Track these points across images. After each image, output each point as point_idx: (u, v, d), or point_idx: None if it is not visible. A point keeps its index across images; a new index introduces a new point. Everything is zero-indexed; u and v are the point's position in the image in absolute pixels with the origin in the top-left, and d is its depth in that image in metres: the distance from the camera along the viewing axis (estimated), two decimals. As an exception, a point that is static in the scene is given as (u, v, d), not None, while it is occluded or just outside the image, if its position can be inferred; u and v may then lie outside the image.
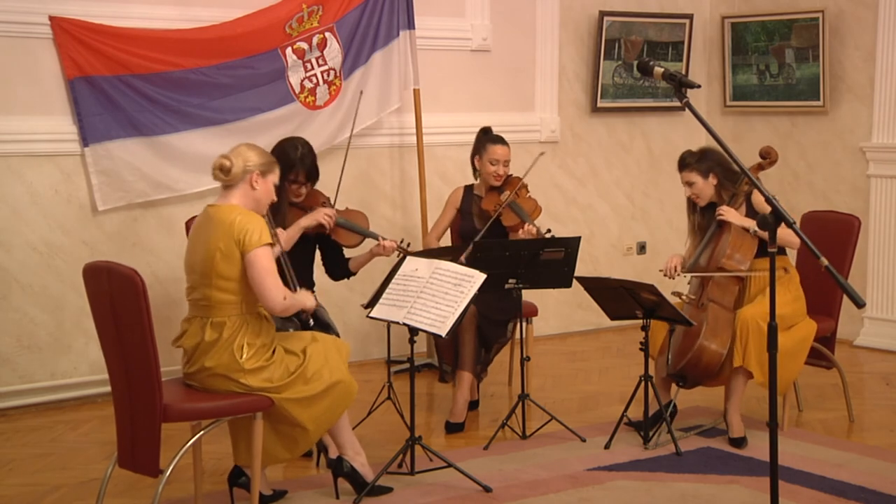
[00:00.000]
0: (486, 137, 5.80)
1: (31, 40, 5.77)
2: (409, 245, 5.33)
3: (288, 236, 4.96)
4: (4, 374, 5.83)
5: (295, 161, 5.01)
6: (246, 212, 4.15)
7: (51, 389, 5.94)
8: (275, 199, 4.34)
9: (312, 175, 5.11)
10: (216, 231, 4.11)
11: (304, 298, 4.35)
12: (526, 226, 5.52)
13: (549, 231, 5.45)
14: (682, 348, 5.11)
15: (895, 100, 7.05)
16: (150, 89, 5.97)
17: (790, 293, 5.17)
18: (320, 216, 5.08)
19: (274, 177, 4.30)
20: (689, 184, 5.27)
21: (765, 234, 4.98)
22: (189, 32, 6.10)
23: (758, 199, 5.21)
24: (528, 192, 5.79)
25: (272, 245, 4.18)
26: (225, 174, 4.17)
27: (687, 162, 5.29)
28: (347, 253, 5.39)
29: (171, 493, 4.52)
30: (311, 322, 4.73)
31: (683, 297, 5.25)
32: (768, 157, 5.25)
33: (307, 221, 5.06)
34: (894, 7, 7.00)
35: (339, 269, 5.39)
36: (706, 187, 5.25)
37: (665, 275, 5.32)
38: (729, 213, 5.14)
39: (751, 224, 5.06)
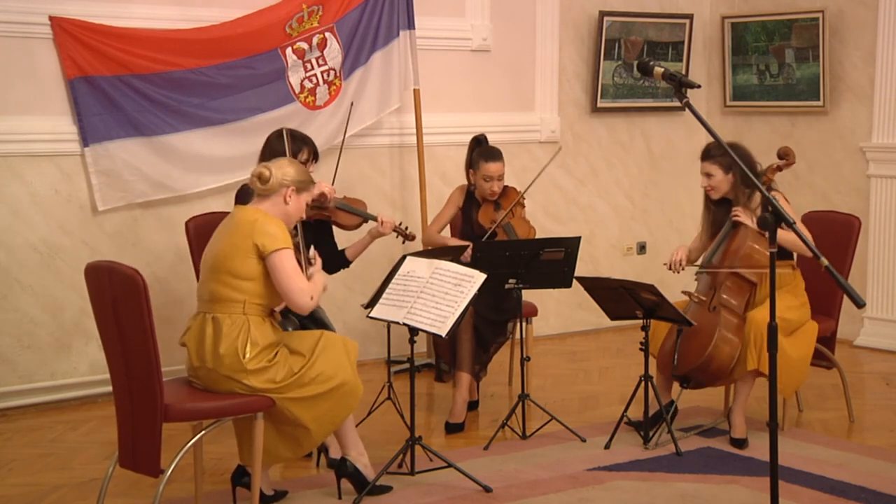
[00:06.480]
0: (479, 153, 5.69)
1: (31, 40, 5.77)
2: (407, 228, 5.40)
3: None
4: (4, 374, 5.83)
5: (299, 144, 5.06)
6: (268, 215, 4.17)
7: (51, 389, 5.94)
8: (304, 217, 4.36)
9: (317, 152, 5.16)
10: (236, 229, 4.15)
11: (320, 283, 4.32)
12: None
13: None
14: (691, 351, 5.08)
15: (895, 100, 7.05)
16: (150, 89, 5.97)
17: (797, 298, 5.17)
18: (321, 185, 5.10)
19: (308, 196, 4.34)
20: (707, 175, 5.22)
21: (783, 237, 4.99)
22: (189, 32, 6.10)
23: (775, 199, 5.17)
24: (524, 209, 5.74)
25: (302, 261, 4.18)
26: (262, 182, 4.20)
27: (711, 154, 5.23)
28: (344, 242, 5.40)
29: (171, 493, 4.52)
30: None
31: (693, 297, 5.23)
32: (786, 158, 5.17)
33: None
34: (894, 7, 7.00)
35: (333, 259, 5.38)
36: (724, 182, 5.20)
37: (670, 268, 5.30)
38: (744, 215, 5.11)
39: None
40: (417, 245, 6.52)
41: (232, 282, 4.11)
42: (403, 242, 5.48)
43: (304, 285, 4.16)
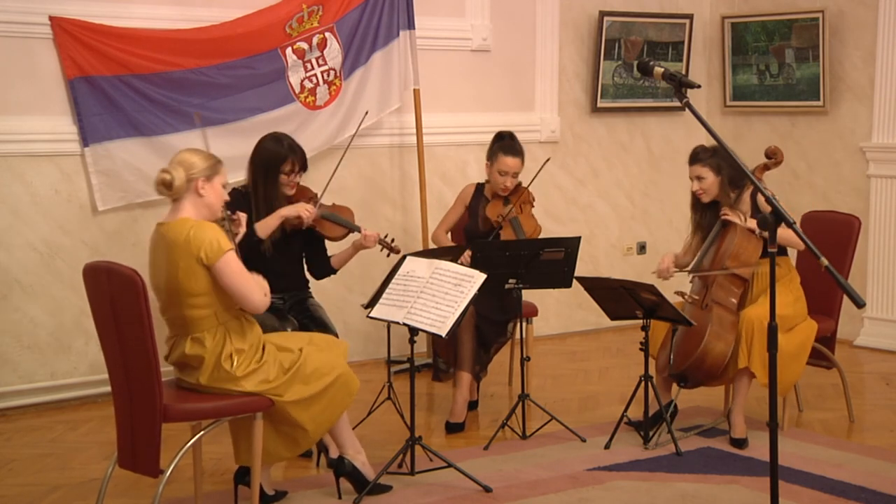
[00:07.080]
0: (499, 146, 5.67)
1: (31, 40, 5.77)
2: (392, 240, 5.33)
3: (267, 224, 4.97)
4: (4, 374, 5.83)
5: (286, 152, 5.03)
6: (197, 223, 4.03)
7: (51, 389, 5.94)
8: (227, 198, 4.22)
9: (305, 163, 5.12)
10: (173, 251, 4.01)
11: (261, 279, 4.22)
12: None
13: None
14: (685, 349, 5.10)
15: (895, 100, 7.05)
16: (150, 89, 5.97)
17: (791, 294, 5.17)
18: (301, 208, 5.05)
19: (221, 178, 4.16)
20: (698, 178, 5.23)
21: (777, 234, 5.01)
22: (189, 32, 6.10)
23: (763, 199, 5.19)
24: (532, 206, 5.75)
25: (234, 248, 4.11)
26: (168, 189, 4.04)
27: (700, 157, 5.25)
28: (331, 250, 5.39)
29: (171, 494, 4.52)
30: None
31: (686, 298, 5.24)
32: (774, 157, 5.20)
33: (287, 211, 5.03)
34: (894, 7, 7.00)
35: (321, 266, 5.36)
36: (714, 184, 5.21)
37: (658, 276, 5.31)
38: (733, 214, 5.14)
39: (754, 225, 5.05)
40: (420, 245, 6.52)
41: (194, 301, 4.03)
42: (388, 255, 5.35)
43: (254, 284, 4.08)
